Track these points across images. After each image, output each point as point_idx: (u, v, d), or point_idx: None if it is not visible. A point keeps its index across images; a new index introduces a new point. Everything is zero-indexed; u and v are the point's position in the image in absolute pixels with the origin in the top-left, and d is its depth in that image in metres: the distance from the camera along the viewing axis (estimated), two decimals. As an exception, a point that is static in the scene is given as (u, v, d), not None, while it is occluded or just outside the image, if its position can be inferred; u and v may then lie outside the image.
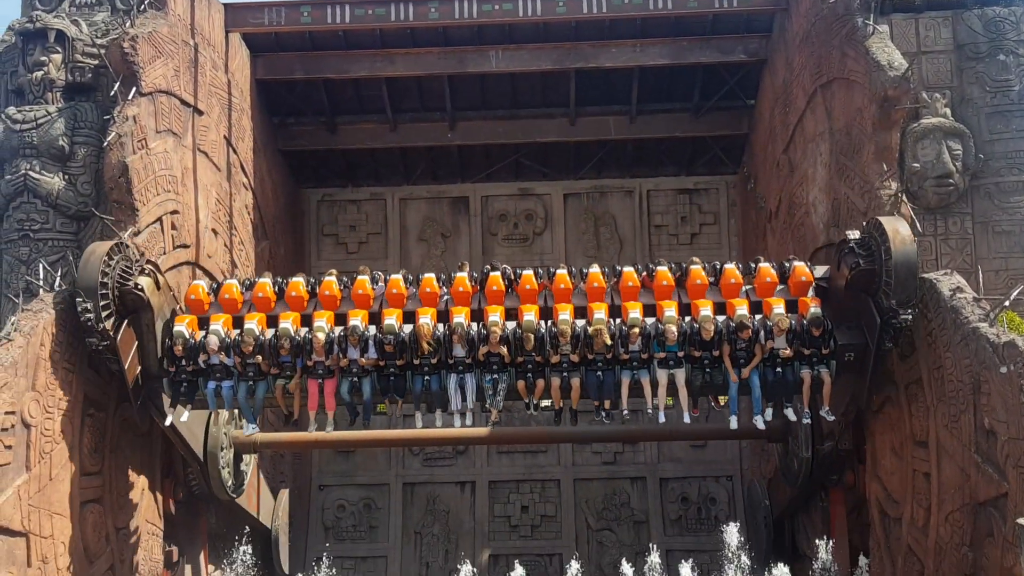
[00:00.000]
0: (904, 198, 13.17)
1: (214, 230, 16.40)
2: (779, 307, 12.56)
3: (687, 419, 12.87)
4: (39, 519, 11.14)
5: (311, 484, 21.06)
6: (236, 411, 13.40)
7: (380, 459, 21.38)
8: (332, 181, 22.16)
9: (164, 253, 14.30)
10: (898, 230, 11.81)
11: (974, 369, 10.54)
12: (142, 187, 13.60)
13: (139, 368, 12.63)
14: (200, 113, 15.80)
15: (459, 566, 16.86)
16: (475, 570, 16.39)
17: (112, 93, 13.77)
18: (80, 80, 14.52)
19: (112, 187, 13.38)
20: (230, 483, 14.98)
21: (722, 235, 21.90)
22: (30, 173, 13.82)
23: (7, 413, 10.70)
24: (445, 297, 13.18)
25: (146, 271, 12.52)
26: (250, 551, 15.27)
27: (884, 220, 12.03)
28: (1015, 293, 11.46)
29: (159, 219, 14.14)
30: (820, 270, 13.31)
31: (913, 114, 13.59)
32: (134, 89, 13.59)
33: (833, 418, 12.99)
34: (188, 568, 14.39)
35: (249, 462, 16.11)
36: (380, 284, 13.40)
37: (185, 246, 15.11)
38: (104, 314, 11.85)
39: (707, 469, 21.05)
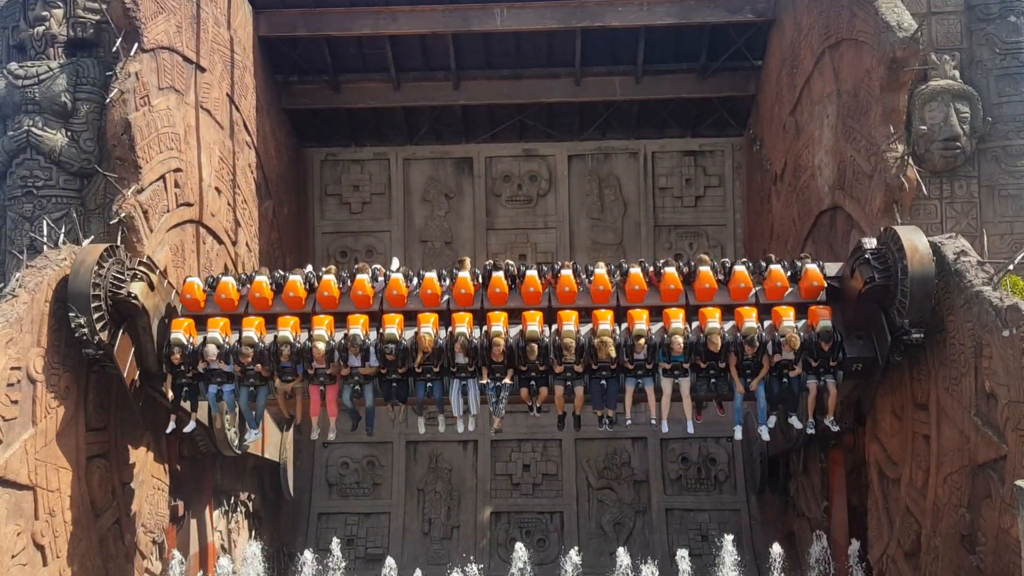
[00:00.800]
0: (910, 161, 13.10)
1: (217, 188, 16.37)
2: (788, 320, 12.14)
3: (690, 428, 12.78)
4: (46, 473, 11.26)
5: (314, 445, 21.23)
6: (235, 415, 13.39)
7: (383, 418, 21.48)
8: (335, 140, 22.06)
9: (167, 211, 14.30)
10: (916, 247, 11.28)
11: (976, 332, 10.56)
12: (145, 144, 13.55)
13: (138, 371, 12.57)
14: (203, 70, 15.68)
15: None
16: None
17: (114, 49, 13.66)
18: (82, 35, 14.39)
19: (115, 144, 13.33)
20: (235, 442, 15.12)
21: (727, 198, 21.84)
22: (32, 129, 13.76)
23: (13, 368, 10.77)
24: (447, 296, 12.87)
25: (139, 275, 12.20)
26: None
27: (902, 233, 11.50)
28: (1019, 257, 11.47)
29: (162, 177, 14.10)
30: (832, 268, 12.87)
31: (921, 76, 13.48)
32: (136, 45, 13.48)
33: (837, 428, 12.89)
34: (194, 523, 14.57)
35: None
36: (380, 280, 13.05)
37: (188, 204, 15.09)
38: (99, 325, 11.67)
39: (707, 430, 21.02)
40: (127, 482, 13.09)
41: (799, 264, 12.76)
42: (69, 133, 13.93)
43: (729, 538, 15.72)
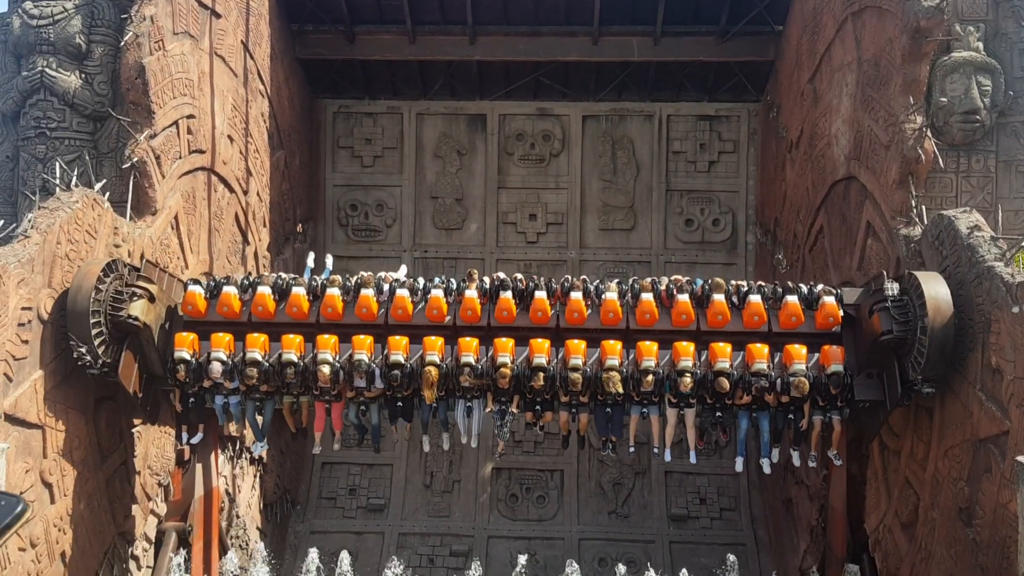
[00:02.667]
0: (928, 133, 12.97)
1: (230, 137, 16.33)
2: (800, 363, 11.88)
3: (693, 459, 12.86)
4: (55, 413, 11.39)
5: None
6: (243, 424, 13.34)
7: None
8: (349, 92, 21.93)
9: (180, 157, 14.29)
10: (939, 307, 10.90)
11: (985, 308, 10.53)
12: (159, 89, 13.49)
13: (144, 379, 12.56)
14: (217, 16, 15.56)
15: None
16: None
17: (129, -9, 13.57)
18: (97, -24, 14.27)
19: (129, 88, 13.28)
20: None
21: (740, 164, 21.70)
22: (47, 70, 13.71)
23: (24, 308, 10.84)
24: (453, 312, 12.66)
25: (138, 293, 12.04)
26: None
27: (926, 286, 11.04)
28: (1033, 234, 11.38)
29: (175, 123, 14.06)
30: (849, 294, 12.51)
31: (944, 47, 13.28)
32: (151, -12, 13.37)
33: (840, 463, 12.91)
34: (199, 467, 14.71)
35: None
36: (386, 288, 12.79)
37: (201, 151, 15.07)
38: (100, 348, 11.61)
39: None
40: (134, 425, 13.24)
41: (816, 291, 12.42)
42: (83, 75, 13.87)
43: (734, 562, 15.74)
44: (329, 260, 15.28)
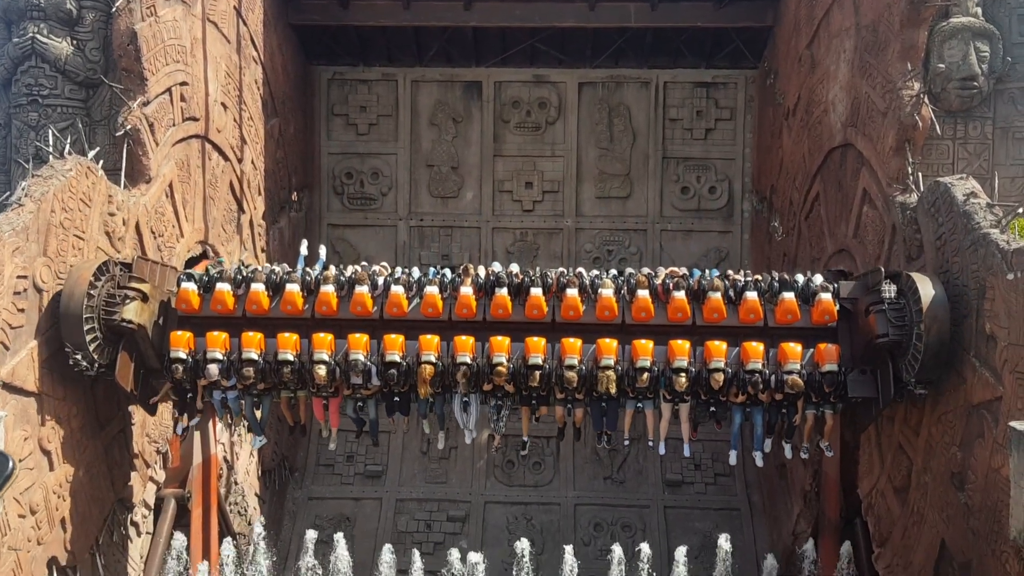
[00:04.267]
0: (925, 99, 12.92)
1: (223, 104, 16.22)
2: (795, 362, 11.90)
3: (687, 452, 13.26)
4: (51, 381, 11.42)
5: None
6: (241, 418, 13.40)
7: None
8: (343, 59, 21.76)
9: (173, 125, 14.20)
10: (936, 314, 10.88)
11: (980, 274, 10.56)
12: (151, 56, 13.37)
13: (141, 374, 12.58)
14: (210, -19, 15.39)
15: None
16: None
17: (120, -45, 13.38)
18: (87, -59, 14.08)
19: (121, 54, 13.16)
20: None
21: (737, 131, 21.63)
22: (38, 36, 13.55)
23: (19, 277, 10.82)
24: (448, 307, 12.61)
25: (131, 296, 11.97)
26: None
27: (923, 291, 11.00)
28: (1030, 200, 11.39)
29: (168, 90, 13.95)
30: (846, 288, 12.46)
31: (943, 12, 13.18)
32: (143, -48, 13.20)
33: (832, 454, 13.17)
34: (197, 434, 14.81)
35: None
36: (380, 282, 12.69)
37: (194, 119, 14.97)
38: (94, 349, 11.61)
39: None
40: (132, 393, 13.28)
41: (813, 286, 12.37)
42: (75, 41, 13.73)
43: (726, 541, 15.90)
44: (322, 251, 15.24)
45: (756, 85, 21.23)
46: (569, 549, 15.77)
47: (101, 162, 12.64)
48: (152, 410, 13.25)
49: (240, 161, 17.19)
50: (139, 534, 13.95)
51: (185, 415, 13.31)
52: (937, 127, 12.91)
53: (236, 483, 17.27)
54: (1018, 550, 9.15)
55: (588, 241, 22.02)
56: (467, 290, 12.47)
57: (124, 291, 11.94)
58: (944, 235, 11.46)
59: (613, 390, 12.04)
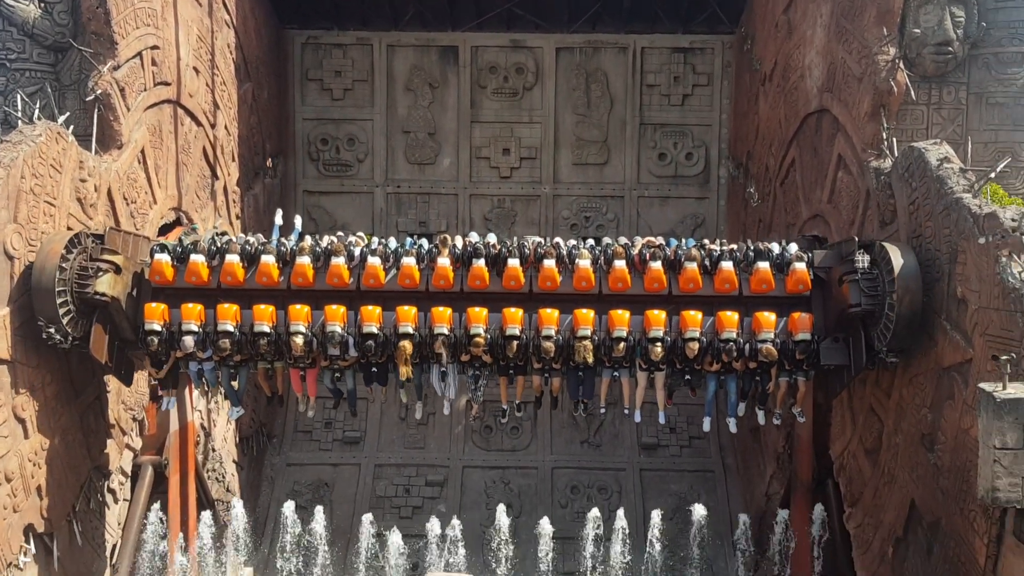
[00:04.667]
0: (901, 65, 12.96)
1: (195, 68, 15.98)
2: (769, 332, 12.04)
3: (662, 419, 13.42)
4: (24, 349, 11.31)
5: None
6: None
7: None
8: (317, 23, 21.46)
9: (145, 90, 13.98)
10: (908, 285, 11.02)
11: (953, 239, 10.67)
12: (121, 19, 13.13)
13: (116, 346, 12.46)
14: (180, -58, 15.09)
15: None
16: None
17: (87, -85, 13.08)
18: (53, -101, 13.73)
19: (90, 17, 12.91)
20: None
21: (714, 97, 21.62)
22: (4, 0, 13.27)
23: (-10, 244, 10.68)
24: (426, 279, 12.61)
25: (103, 268, 11.84)
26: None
27: (895, 261, 11.12)
28: (1001, 165, 11.47)
29: (139, 54, 13.72)
30: (820, 257, 12.52)
31: (919, -23, 13.21)
32: (110, -89, 12.90)
33: (804, 419, 13.39)
34: (174, 400, 14.74)
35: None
36: (356, 251, 12.63)
37: (166, 83, 14.75)
38: (67, 322, 11.49)
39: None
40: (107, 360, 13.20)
41: (788, 255, 12.47)
42: (43, 4, 13.41)
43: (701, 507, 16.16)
44: (298, 220, 15.09)
45: (733, 51, 21.20)
46: (545, 520, 15.91)
47: (71, 127, 12.44)
48: (128, 381, 13.18)
49: (213, 127, 16.98)
50: (116, 501, 13.94)
51: (169, 389, 13.30)
52: (912, 92, 12.98)
53: (214, 450, 17.26)
54: (985, 509, 9.34)
55: (565, 208, 22.02)
56: (444, 261, 12.47)
57: (96, 263, 11.82)
58: (917, 200, 11.56)
59: (590, 359, 12.16)
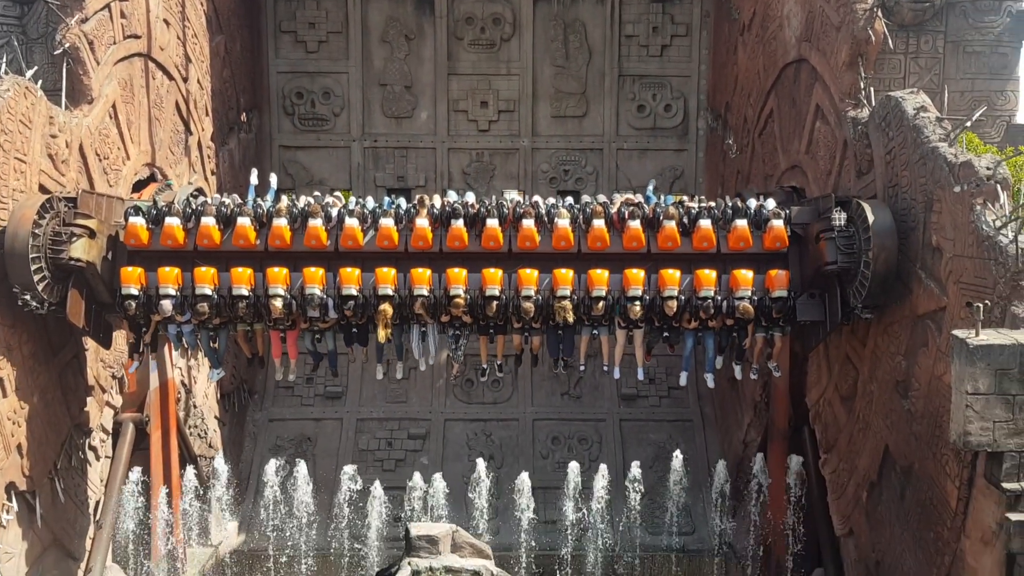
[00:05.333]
0: (879, 13, 12.91)
1: (166, 21, 15.66)
2: (746, 288, 12.11)
3: (640, 375, 13.52)
4: (0, 309, 11.22)
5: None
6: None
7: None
8: (290, -27, 21.03)
9: (114, 43, 13.71)
10: (884, 243, 11.14)
11: (928, 188, 10.75)
12: (87, -31, 12.83)
13: (92, 307, 12.38)
14: None
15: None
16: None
17: None
18: None
19: (55, -33, 12.61)
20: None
21: (693, 48, 21.45)
22: (-36, -52, 12.92)
23: (-40, 201, 10.53)
24: (405, 236, 12.56)
25: (77, 233, 11.68)
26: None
27: (872, 218, 11.22)
28: (977, 114, 11.54)
29: (107, 6, 13.42)
30: (797, 214, 12.60)
31: (898, -77, 13.12)
32: None
33: (780, 374, 13.63)
34: (153, 360, 14.71)
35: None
36: (334, 212, 12.54)
37: (136, 36, 14.46)
38: (42, 288, 11.40)
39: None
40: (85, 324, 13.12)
41: (765, 212, 12.51)
42: (5, -46, 13.11)
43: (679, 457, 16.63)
44: (273, 179, 14.92)
45: (712, 1, 21.00)
46: (525, 475, 16.08)
47: (40, 82, 12.20)
48: (107, 344, 13.13)
49: (185, 80, 16.70)
50: (98, 458, 13.96)
51: (137, 354, 13.20)
52: (890, 41, 12.94)
53: (195, 406, 17.27)
54: (957, 453, 9.55)
55: (544, 161, 21.91)
56: (423, 222, 12.43)
57: (70, 228, 11.67)
58: (894, 149, 11.60)
59: (570, 318, 12.24)
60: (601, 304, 12.24)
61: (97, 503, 13.86)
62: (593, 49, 21.57)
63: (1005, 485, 8.96)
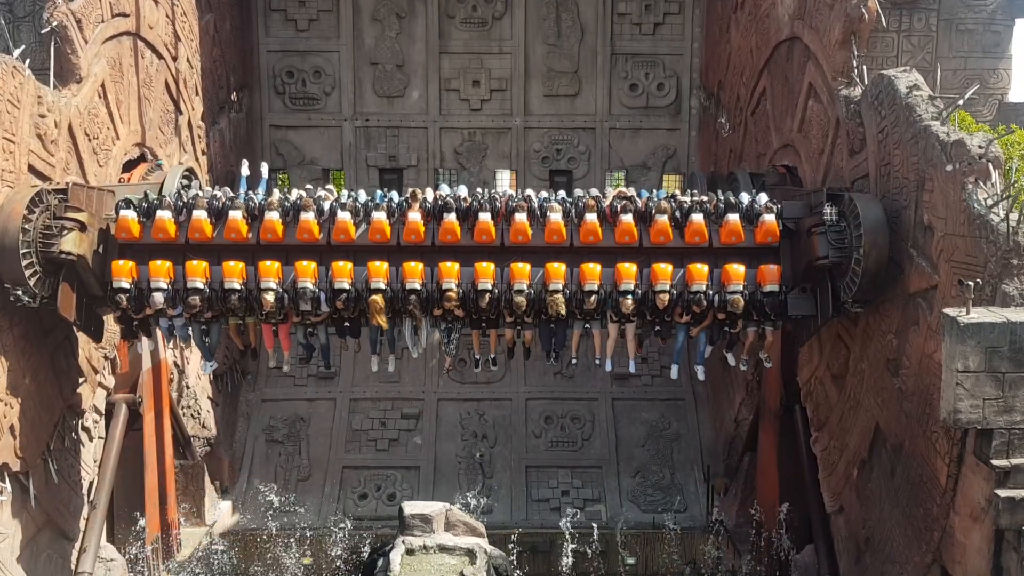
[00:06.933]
0: (873, -10, 12.87)
1: (155, -1, 15.52)
2: (738, 283, 12.10)
3: (632, 367, 13.42)
4: (-8, 288, 11.20)
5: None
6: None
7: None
8: (279, -50, 20.84)
9: (102, 21, 13.57)
10: (875, 240, 11.09)
11: (920, 166, 10.75)
12: (74, -54, 12.69)
13: (83, 301, 12.29)
14: None
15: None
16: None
17: None
18: None
19: (41, -56, 12.46)
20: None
21: (686, 26, 21.36)
22: (-51, -75, 12.76)
23: (-52, 182, 10.45)
24: (397, 229, 12.53)
25: (68, 226, 11.57)
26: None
27: (863, 213, 11.17)
28: (969, 93, 11.54)
29: (95, -17, 13.29)
30: (789, 207, 12.58)
31: (892, -100, 13.04)
32: None
33: (771, 365, 13.62)
34: (145, 340, 14.67)
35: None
36: (326, 204, 12.49)
37: (124, 15, 14.32)
38: (36, 286, 11.33)
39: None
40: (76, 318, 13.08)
41: (757, 206, 12.52)
42: (-10, -70, 12.95)
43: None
44: (264, 169, 14.83)
45: (705, -23, 20.90)
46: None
47: (28, 61, 12.06)
48: (98, 337, 13.04)
49: (175, 59, 16.57)
50: (91, 439, 13.96)
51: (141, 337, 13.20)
52: (883, 19, 12.90)
53: (188, 387, 17.27)
54: (947, 430, 9.62)
55: (537, 140, 21.85)
56: (415, 215, 12.42)
57: (61, 221, 11.59)
58: (886, 128, 11.60)
59: (563, 311, 12.21)
60: (593, 298, 12.22)
61: (91, 484, 13.87)
62: (585, 27, 21.46)
63: (994, 462, 9.04)
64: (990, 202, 9.54)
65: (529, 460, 19.48)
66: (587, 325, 12.83)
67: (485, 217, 12.43)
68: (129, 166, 14.76)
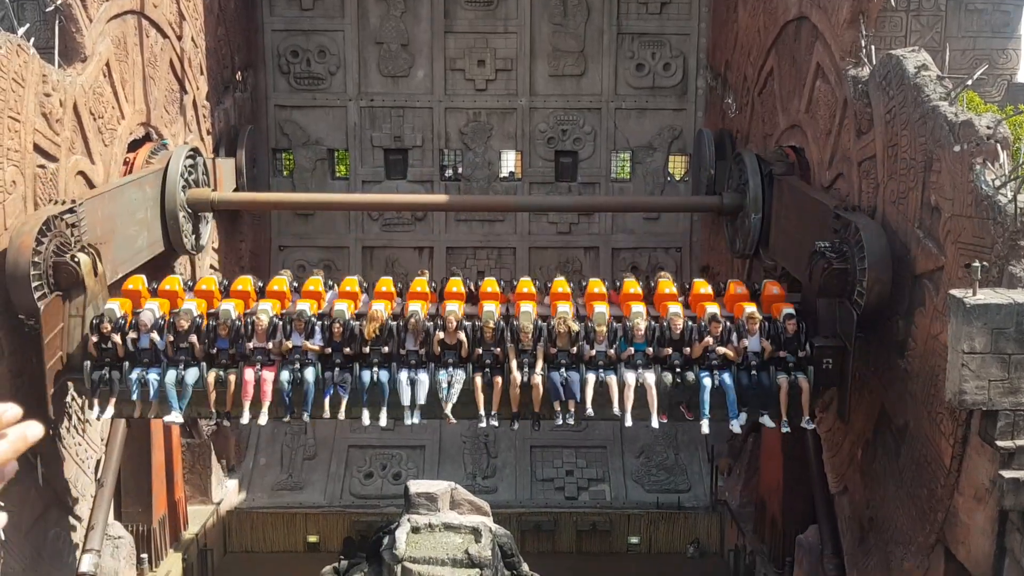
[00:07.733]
0: (882, -31, 12.77)
1: (159, -23, 15.45)
2: (750, 307, 12.20)
3: (655, 423, 11.94)
4: None
5: (271, 245, 21.33)
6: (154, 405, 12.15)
7: (339, 223, 21.59)
8: (284, -72, 20.70)
9: (107, 0, 13.53)
10: (880, 276, 11.19)
11: (928, 147, 10.70)
12: (78, -76, 12.62)
13: (59, 353, 11.70)
14: None
15: None
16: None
17: None
18: None
19: (45, -78, 12.40)
20: (191, 242, 15.12)
21: (693, 5, 21.20)
22: (-48, -98, 12.69)
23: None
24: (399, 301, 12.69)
25: (86, 250, 11.60)
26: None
27: (870, 251, 11.16)
28: (978, 73, 11.46)
29: (99, -39, 13.23)
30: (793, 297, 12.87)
31: None
32: None
33: (813, 426, 12.49)
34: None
35: (209, 220, 16.21)
36: (334, 291, 12.77)
37: (129, -7, 14.28)
38: (38, 296, 11.07)
39: (658, 240, 21.69)
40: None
41: (758, 287, 12.96)
42: (-7, -92, 12.87)
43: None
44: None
45: (712, -44, 20.72)
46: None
47: (32, 40, 12.05)
48: (59, 415, 12.59)
49: (180, 38, 16.51)
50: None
51: (97, 404, 12.09)
52: (892, -1, 12.82)
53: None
54: (952, 411, 9.63)
55: (542, 120, 21.75)
56: (421, 279, 13.33)
57: (79, 241, 11.71)
58: (894, 108, 11.53)
59: (574, 328, 11.73)
60: (603, 328, 11.79)
61: (98, 462, 13.95)
62: (591, 6, 21.30)
63: (999, 443, 9.05)
64: (998, 183, 9.50)
65: (534, 440, 19.53)
66: (601, 372, 11.82)
67: (489, 279, 13.56)
68: (134, 145, 14.75)
